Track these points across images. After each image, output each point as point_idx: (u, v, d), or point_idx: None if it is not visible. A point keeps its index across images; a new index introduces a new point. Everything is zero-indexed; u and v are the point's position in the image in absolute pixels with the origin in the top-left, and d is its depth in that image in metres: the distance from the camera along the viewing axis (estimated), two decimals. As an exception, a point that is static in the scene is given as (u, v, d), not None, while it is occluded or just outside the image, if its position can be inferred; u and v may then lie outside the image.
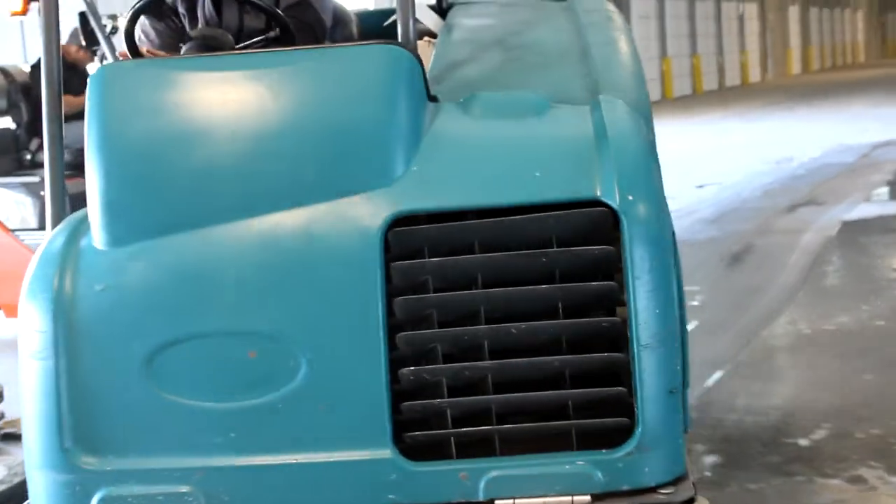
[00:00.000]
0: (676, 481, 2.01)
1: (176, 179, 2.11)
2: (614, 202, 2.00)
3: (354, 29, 3.51)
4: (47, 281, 2.10)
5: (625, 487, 1.98)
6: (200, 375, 2.04)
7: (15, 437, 4.21)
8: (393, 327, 2.01)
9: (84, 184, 2.05)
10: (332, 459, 2.00)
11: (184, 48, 2.70)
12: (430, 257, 2.03)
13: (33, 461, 2.11)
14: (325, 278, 2.02)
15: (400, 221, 2.02)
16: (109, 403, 2.06)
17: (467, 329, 2.02)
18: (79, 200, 7.08)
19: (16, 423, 4.28)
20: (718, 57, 32.55)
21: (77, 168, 7.66)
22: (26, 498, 4.13)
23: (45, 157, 2.33)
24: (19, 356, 2.13)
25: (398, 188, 2.05)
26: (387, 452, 1.99)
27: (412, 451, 2.01)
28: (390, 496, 2.00)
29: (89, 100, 2.18)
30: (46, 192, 2.35)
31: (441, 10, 3.24)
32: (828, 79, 34.89)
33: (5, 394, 4.33)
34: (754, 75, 37.10)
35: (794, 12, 43.84)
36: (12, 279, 7.05)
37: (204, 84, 2.19)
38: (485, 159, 2.11)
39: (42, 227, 6.11)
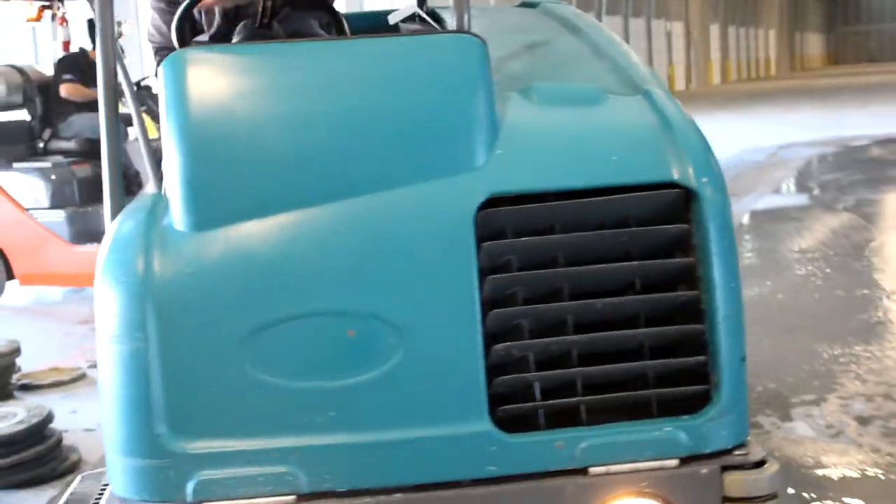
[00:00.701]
0: (746, 443, 2.13)
1: (264, 163, 2.09)
2: (691, 184, 2.11)
3: None
4: (129, 264, 2.06)
5: (707, 451, 2.08)
6: (299, 356, 2.03)
7: (31, 388, 5.23)
8: (482, 305, 2.06)
9: (90, 169, 2.02)
10: (430, 435, 2.03)
11: (236, 38, 2.66)
12: (513, 237, 2.09)
13: (117, 448, 2.06)
14: (420, 258, 2.05)
15: (487, 203, 2.07)
16: (204, 387, 2.02)
17: (553, 305, 2.09)
18: (85, 185, 7.00)
19: (31, 375, 5.39)
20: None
21: (83, 155, 7.72)
22: (44, 437, 3.95)
23: (104, 150, 2.27)
24: (99, 340, 2.08)
25: (485, 171, 2.09)
26: (484, 426, 2.03)
27: (505, 423, 2.06)
28: (490, 468, 2.04)
29: (166, 85, 2.15)
30: (105, 182, 2.29)
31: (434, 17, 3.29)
32: (744, 88, 38.95)
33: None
34: (680, 85, 40.76)
35: (714, 30, 48.31)
36: (27, 253, 7.09)
37: (283, 69, 2.18)
38: (562, 144, 2.18)
39: (54, 206, 6.83)
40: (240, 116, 2.13)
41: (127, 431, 2.05)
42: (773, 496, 2.07)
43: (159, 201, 2.18)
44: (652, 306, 2.10)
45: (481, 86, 2.15)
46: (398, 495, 2.02)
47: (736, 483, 2.06)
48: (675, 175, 2.12)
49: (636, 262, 2.10)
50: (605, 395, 2.10)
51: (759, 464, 2.08)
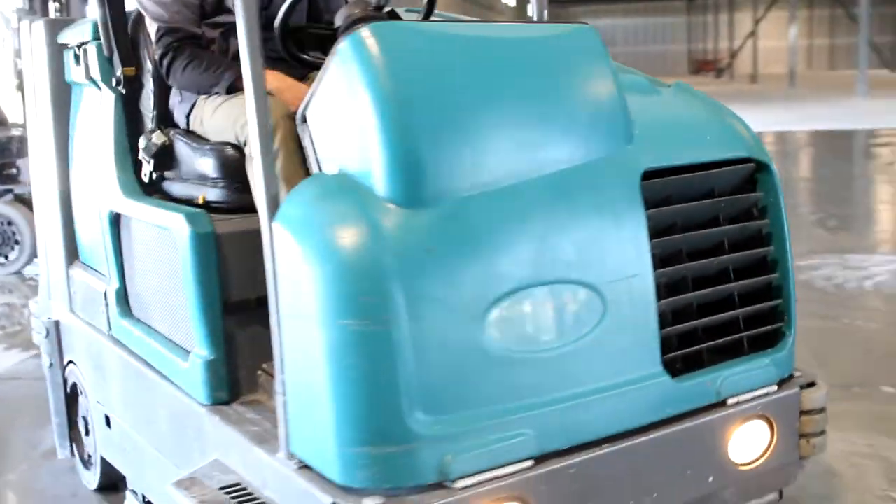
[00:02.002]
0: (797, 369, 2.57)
1: (470, 139, 2.04)
2: (762, 158, 2.48)
3: None
4: (361, 245, 1.90)
5: (786, 375, 2.48)
6: (525, 326, 2.04)
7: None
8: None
9: None
10: (625, 387, 2.16)
11: (342, 24, 2.40)
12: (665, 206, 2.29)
13: (354, 439, 1.90)
14: (607, 225, 2.16)
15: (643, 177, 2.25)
16: (445, 364, 1.95)
17: (703, 262, 2.33)
18: None
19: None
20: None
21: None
22: None
23: (255, 139, 2.02)
24: (317, 324, 1.89)
25: (636, 149, 2.26)
26: (660, 372, 2.22)
27: (670, 369, 2.26)
28: (667, 410, 2.24)
29: (365, 61, 2.00)
30: (258, 171, 2.03)
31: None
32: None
33: None
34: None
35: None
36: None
37: (469, 48, 2.13)
38: (671, 127, 2.40)
39: None
40: (443, 93, 2.05)
41: (372, 419, 1.91)
42: (825, 409, 2.54)
43: (342, 180, 2.02)
44: (745, 262, 2.44)
45: (615, 72, 2.31)
46: (606, 446, 2.14)
47: (806, 399, 2.49)
48: (749, 151, 2.47)
49: (737, 225, 2.42)
50: (732, 337, 2.39)
51: (812, 384, 2.53)
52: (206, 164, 2.57)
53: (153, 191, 2.79)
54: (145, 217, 2.65)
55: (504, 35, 2.23)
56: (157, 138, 2.67)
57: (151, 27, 2.69)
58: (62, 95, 3.25)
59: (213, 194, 2.57)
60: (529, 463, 2.02)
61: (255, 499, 2.15)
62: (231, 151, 2.54)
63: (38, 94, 3.32)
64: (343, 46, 2.04)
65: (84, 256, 3.25)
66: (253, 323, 2.48)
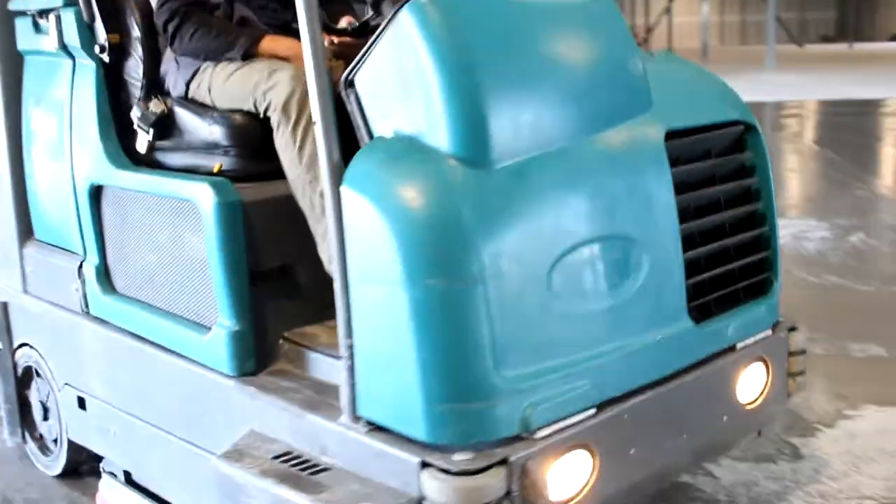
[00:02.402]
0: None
1: (531, 102, 2.08)
2: (750, 120, 2.63)
3: None
4: (440, 205, 1.93)
5: (777, 320, 2.66)
6: (583, 280, 2.11)
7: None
8: None
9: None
10: (661, 335, 2.27)
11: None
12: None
13: (440, 396, 1.92)
14: (642, 182, 2.25)
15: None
16: (519, 319, 1.99)
17: (713, 217, 2.46)
18: None
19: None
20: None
21: None
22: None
23: (316, 104, 1.99)
24: (409, 289, 1.90)
25: (656, 112, 2.35)
26: (687, 320, 2.34)
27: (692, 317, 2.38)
28: (693, 356, 2.37)
29: (428, 27, 2.00)
30: (320, 137, 2.00)
31: None
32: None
33: None
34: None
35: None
36: None
37: (518, 13, 2.15)
38: (676, 91, 2.51)
39: None
40: (502, 57, 2.08)
41: (460, 376, 1.94)
42: (805, 351, 2.73)
43: (409, 143, 2.02)
44: (741, 217, 2.59)
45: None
46: (648, 392, 2.24)
47: (793, 341, 2.68)
48: (740, 114, 2.62)
49: (736, 182, 2.56)
50: (739, 284, 2.54)
51: (794, 328, 2.72)
52: (218, 132, 2.49)
53: (143, 162, 2.68)
54: (149, 188, 2.54)
55: (544, 1, 2.27)
56: (156, 107, 2.55)
57: None
58: (12, 66, 3.05)
59: (226, 163, 2.49)
60: (592, 411, 2.10)
61: (313, 465, 2.13)
62: (245, 119, 2.47)
63: None
64: (405, 14, 2.03)
65: (42, 234, 3.07)
66: (275, 292, 2.44)
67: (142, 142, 2.59)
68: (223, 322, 2.37)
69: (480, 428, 1.96)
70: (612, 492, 2.15)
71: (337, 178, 2.01)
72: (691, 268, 2.39)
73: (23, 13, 2.96)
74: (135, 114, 2.59)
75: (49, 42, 2.83)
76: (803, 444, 3.23)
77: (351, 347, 2.05)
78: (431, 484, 1.90)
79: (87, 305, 2.86)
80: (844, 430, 3.38)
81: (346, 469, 2.08)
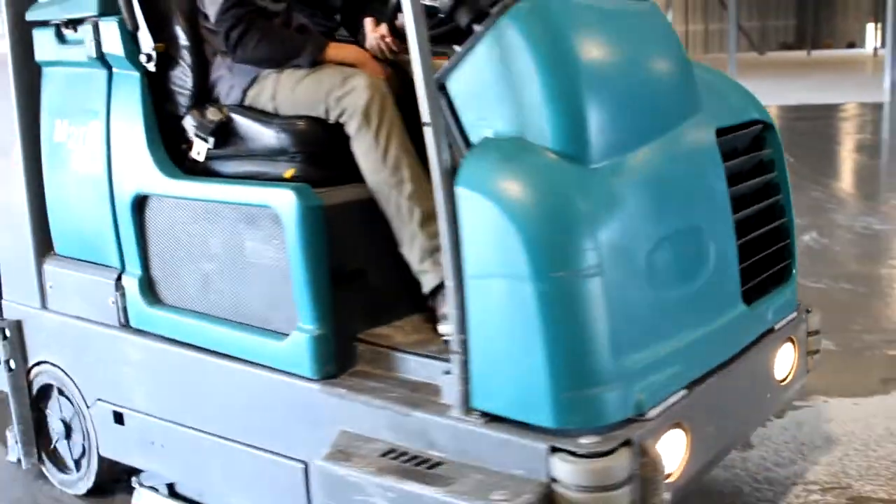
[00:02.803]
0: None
1: (623, 104, 2.17)
2: (769, 119, 2.82)
3: None
4: (565, 203, 2.02)
5: (798, 303, 2.86)
6: (671, 269, 2.23)
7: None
8: None
9: None
10: (726, 319, 2.41)
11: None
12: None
13: (565, 384, 2.00)
14: (706, 178, 2.40)
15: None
16: (632, 306, 2.09)
17: (750, 210, 2.62)
18: None
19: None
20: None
21: None
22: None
23: (426, 106, 2.04)
24: (535, 282, 1.97)
25: (707, 112, 2.50)
26: (741, 305, 2.50)
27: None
28: (747, 337, 2.53)
29: (532, 34, 2.08)
30: (431, 138, 2.05)
31: None
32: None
33: None
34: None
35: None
36: None
37: (609, 22, 2.26)
38: (714, 93, 2.66)
39: None
40: (599, 61, 2.17)
41: (585, 363, 2.02)
42: (819, 331, 2.94)
43: (518, 143, 2.09)
44: (767, 208, 2.77)
45: (680, 44, 2.55)
46: (720, 373, 2.38)
47: (811, 321, 2.88)
48: (759, 114, 2.81)
49: (767, 176, 2.74)
50: (773, 269, 2.72)
51: (809, 310, 2.92)
52: (284, 139, 2.49)
53: (192, 171, 2.65)
54: (213, 196, 2.51)
55: (620, 8, 2.38)
56: (213, 115, 2.53)
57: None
58: (29, 78, 2.95)
59: (287, 169, 2.50)
60: (684, 392, 2.23)
61: (425, 460, 2.17)
62: (312, 125, 2.49)
63: None
64: (508, 22, 2.11)
65: (66, 248, 2.98)
66: (347, 295, 2.47)
67: (199, 150, 2.56)
68: (304, 326, 2.38)
69: (602, 412, 2.05)
70: (697, 467, 2.28)
71: (449, 180, 2.06)
72: (740, 255, 2.55)
73: (43, 23, 2.88)
74: (189, 122, 2.57)
75: (79, 52, 2.76)
76: (753, 434, 3.34)
77: (465, 342, 2.10)
78: (563, 467, 1.98)
79: (126, 318, 2.80)
80: (792, 419, 3.52)
81: (461, 462, 2.13)
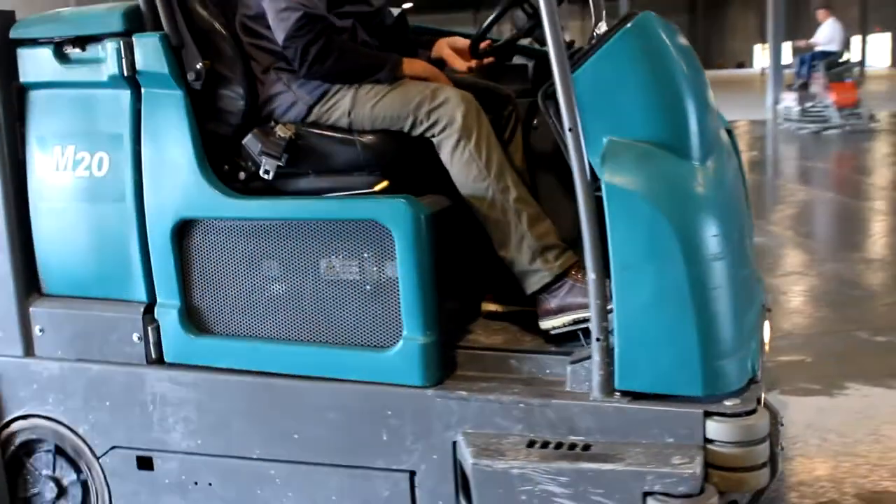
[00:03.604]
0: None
1: (704, 110, 2.40)
2: (729, 126, 3.20)
3: None
4: (693, 197, 2.24)
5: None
6: (741, 253, 2.48)
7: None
8: None
9: None
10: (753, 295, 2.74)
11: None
12: None
13: (718, 351, 2.21)
14: (737, 174, 2.72)
15: None
16: (738, 284, 2.33)
17: None
18: None
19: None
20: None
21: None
22: None
23: (566, 113, 2.18)
24: (688, 265, 2.17)
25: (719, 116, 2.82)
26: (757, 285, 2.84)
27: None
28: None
29: (647, 49, 2.28)
30: (573, 143, 2.17)
31: None
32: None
33: None
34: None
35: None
36: None
37: (678, 44, 2.47)
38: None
39: None
40: (689, 75, 2.39)
41: (726, 333, 2.25)
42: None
43: (646, 147, 2.26)
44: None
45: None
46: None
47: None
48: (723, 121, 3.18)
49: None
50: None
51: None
52: (365, 153, 2.47)
53: (242, 190, 2.52)
54: (298, 213, 2.41)
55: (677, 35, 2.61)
56: (283, 132, 2.44)
57: (279, 16, 2.41)
58: (10, 102, 2.62)
59: (373, 182, 2.48)
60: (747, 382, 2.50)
61: (572, 444, 2.27)
62: (391, 138, 2.49)
63: None
64: (624, 37, 2.29)
65: (62, 287, 2.68)
66: (443, 301, 2.49)
67: (269, 168, 2.44)
68: (411, 335, 2.38)
69: (736, 377, 2.27)
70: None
71: (589, 180, 2.21)
72: None
73: (32, 42, 2.58)
74: (252, 141, 2.45)
75: (90, 72, 2.52)
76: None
77: (607, 329, 2.25)
78: (719, 427, 2.18)
79: (159, 353, 2.59)
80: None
81: (608, 441, 2.26)
